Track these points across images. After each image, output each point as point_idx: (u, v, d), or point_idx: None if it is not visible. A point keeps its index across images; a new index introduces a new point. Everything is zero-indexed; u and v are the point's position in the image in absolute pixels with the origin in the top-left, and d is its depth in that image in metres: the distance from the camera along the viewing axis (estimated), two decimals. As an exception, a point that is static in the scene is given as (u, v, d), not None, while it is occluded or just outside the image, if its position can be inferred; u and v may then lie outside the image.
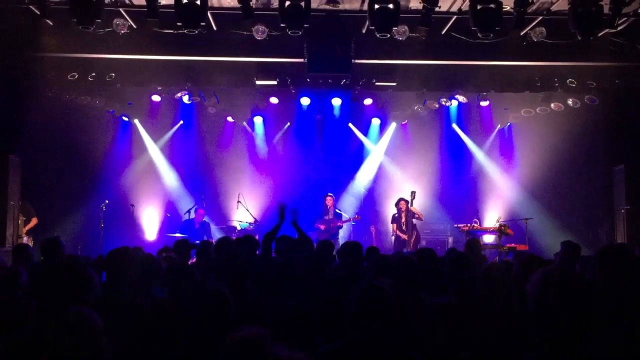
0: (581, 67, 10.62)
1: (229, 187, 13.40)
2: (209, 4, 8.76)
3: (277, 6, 8.63)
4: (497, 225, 11.10)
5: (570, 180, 12.59)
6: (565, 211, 12.47)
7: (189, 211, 12.34)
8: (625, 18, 9.26)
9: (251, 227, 12.31)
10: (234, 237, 9.16)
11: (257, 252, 5.96)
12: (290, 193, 12.90)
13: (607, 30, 9.07)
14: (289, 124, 13.70)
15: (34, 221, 10.83)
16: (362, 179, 13.83)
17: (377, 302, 2.88)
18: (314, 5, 8.83)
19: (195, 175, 13.45)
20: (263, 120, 13.77)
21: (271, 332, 2.33)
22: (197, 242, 9.39)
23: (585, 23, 8.40)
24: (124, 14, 9.36)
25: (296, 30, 8.77)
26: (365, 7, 9.00)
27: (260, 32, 9.44)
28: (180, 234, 11.29)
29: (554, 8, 9.30)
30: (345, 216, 12.44)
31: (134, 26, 9.54)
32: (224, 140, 13.84)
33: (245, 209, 12.50)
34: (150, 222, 13.39)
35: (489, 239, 11.70)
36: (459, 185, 13.67)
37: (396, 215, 12.12)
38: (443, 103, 12.76)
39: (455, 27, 9.73)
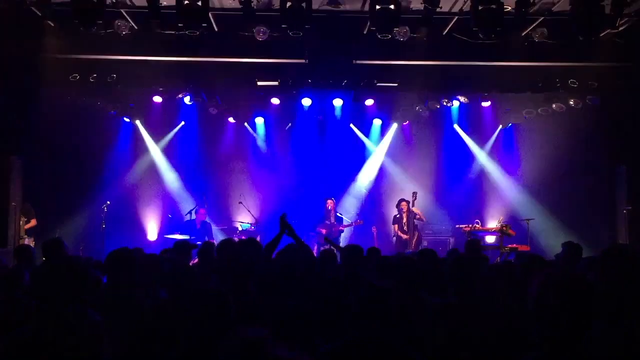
0: (583, 67, 10.61)
1: (230, 188, 13.41)
2: (210, 5, 8.77)
3: (279, 7, 8.64)
4: (499, 225, 11.08)
5: (572, 181, 12.57)
6: (567, 212, 12.45)
7: (190, 212, 12.34)
8: (626, 18, 9.27)
9: (252, 228, 12.31)
10: (236, 238, 9.16)
11: (260, 254, 5.94)
12: (291, 194, 12.91)
13: (608, 30, 9.07)
14: (290, 124, 13.68)
15: (32, 222, 10.84)
16: (364, 179, 13.82)
17: (378, 303, 2.88)
18: (315, 6, 8.84)
19: (197, 176, 13.45)
20: (264, 121, 13.78)
21: (272, 332, 2.34)
22: (199, 242, 9.40)
23: (586, 24, 8.40)
24: (125, 15, 9.39)
25: (297, 31, 8.78)
26: (367, 7, 9.01)
27: (261, 33, 9.45)
28: (182, 234, 11.30)
29: (555, 9, 9.31)
30: (346, 220, 12.43)
31: (136, 27, 9.56)
32: (225, 141, 13.84)
33: (246, 209, 12.51)
34: (151, 222, 13.40)
35: (490, 239, 11.70)
36: (460, 185, 13.65)
37: (397, 216, 12.12)
38: (444, 104, 12.75)
39: (456, 27, 9.74)
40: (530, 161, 13.24)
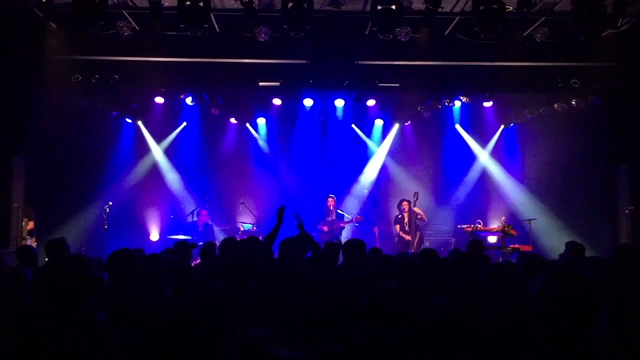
0: (584, 67, 10.60)
1: (232, 189, 13.41)
2: (212, 6, 8.79)
3: (280, 7, 8.65)
4: (501, 226, 11.07)
5: (574, 181, 12.56)
6: (569, 212, 12.43)
7: (192, 213, 12.36)
8: (628, 18, 9.26)
9: (254, 228, 12.32)
10: (238, 239, 9.16)
11: (262, 252, 5.96)
12: (293, 194, 12.90)
13: (610, 30, 9.06)
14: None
15: (30, 225, 10.87)
16: (365, 180, 13.82)
17: (390, 304, 2.89)
18: (316, 6, 8.85)
19: (199, 177, 13.46)
20: (266, 122, 13.79)
21: (272, 332, 2.34)
22: (201, 243, 9.39)
23: (588, 23, 8.40)
24: (127, 16, 9.41)
25: (299, 32, 8.79)
26: (368, 8, 9.01)
27: (263, 33, 9.46)
28: (184, 235, 11.31)
29: (557, 8, 9.31)
30: (347, 217, 12.44)
31: (137, 28, 9.58)
32: (227, 142, 13.85)
33: (248, 210, 12.50)
34: (153, 223, 13.42)
35: (492, 239, 11.68)
36: (462, 186, 13.64)
37: (399, 216, 12.12)
38: (446, 104, 12.75)
39: (458, 27, 9.74)
40: (532, 161, 13.23)
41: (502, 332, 3.31)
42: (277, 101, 12.74)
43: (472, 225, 11.34)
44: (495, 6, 8.35)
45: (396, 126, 13.84)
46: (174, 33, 9.42)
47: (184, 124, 13.61)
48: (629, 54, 9.95)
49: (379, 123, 13.89)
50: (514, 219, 12.13)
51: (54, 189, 11.89)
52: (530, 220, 11.57)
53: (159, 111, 13.09)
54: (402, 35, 9.30)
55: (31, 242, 10.45)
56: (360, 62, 10.36)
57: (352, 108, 13.24)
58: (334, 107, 13.18)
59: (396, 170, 13.88)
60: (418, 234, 11.88)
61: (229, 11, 9.48)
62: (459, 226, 12.02)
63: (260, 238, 11.24)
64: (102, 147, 12.95)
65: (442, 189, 13.66)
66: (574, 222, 12.04)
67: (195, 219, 12.20)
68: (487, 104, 12.89)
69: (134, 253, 4.29)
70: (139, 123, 13.47)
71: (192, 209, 12.49)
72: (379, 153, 13.95)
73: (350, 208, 13.26)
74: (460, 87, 11.74)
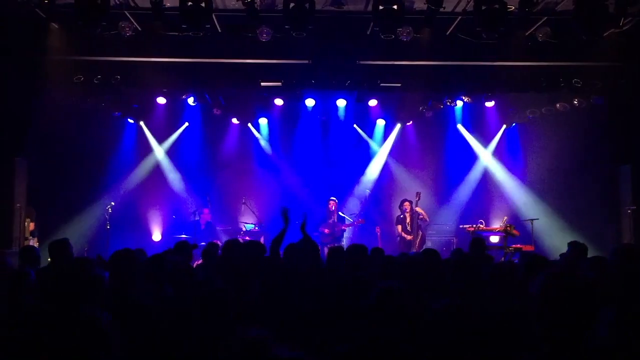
0: (586, 67, 10.58)
1: (234, 189, 13.42)
2: (214, 6, 8.79)
3: (282, 8, 8.65)
4: (503, 226, 11.06)
5: (576, 181, 12.54)
6: (571, 212, 12.42)
7: (194, 212, 12.38)
8: (630, 18, 9.24)
9: (256, 228, 12.34)
10: (240, 239, 9.18)
11: (264, 255, 5.95)
12: (295, 194, 12.92)
13: (612, 30, 9.05)
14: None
15: (31, 226, 10.89)
16: (367, 180, 13.82)
17: (392, 304, 2.89)
18: (318, 6, 8.85)
19: (200, 177, 13.48)
20: (268, 122, 13.80)
21: (273, 332, 2.35)
22: (203, 243, 9.41)
23: (590, 23, 8.39)
24: (129, 16, 9.41)
25: (301, 32, 8.79)
26: (370, 8, 9.01)
27: (264, 33, 9.46)
28: (186, 235, 11.32)
29: (559, 8, 9.30)
30: (348, 220, 12.44)
31: (139, 28, 9.59)
32: (229, 142, 13.87)
33: (250, 210, 12.51)
34: (155, 223, 13.44)
35: (494, 239, 11.67)
36: (464, 186, 13.64)
37: (400, 216, 12.11)
38: (448, 104, 12.75)
39: (460, 27, 9.73)
40: (534, 161, 13.22)
41: (503, 332, 3.31)
42: (278, 101, 12.75)
43: (474, 225, 11.33)
44: (497, 6, 8.35)
45: (398, 126, 13.84)
46: (176, 33, 9.43)
47: (186, 124, 13.63)
48: (631, 54, 9.93)
49: (380, 123, 13.89)
50: (516, 219, 12.12)
51: (56, 189, 11.92)
52: (532, 220, 11.55)
53: (161, 111, 13.12)
54: (403, 35, 9.29)
55: (33, 242, 10.47)
56: (362, 62, 10.35)
57: (353, 108, 13.24)
58: (336, 107, 13.19)
59: (398, 170, 13.88)
60: (420, 234, 11.87)
61: (231, 11, 9.49)
62: (461, 226, 12.00)
63: (262, 238, 11.32)
64: (104, 148, 12.97)
65: (444, 189, 13.65)
66: (576, 222, 12.02)
67: (197, 218, 12.21)
68: (489, 104, 12.89)
69: (135, 253, 4.30)
70: (141, 123, 13.49)
71: (194, 209, 12.51)
72: (381, 153, 13.95)
73: (353, 208, 13.26)
74: (462, 87, 11.73)
